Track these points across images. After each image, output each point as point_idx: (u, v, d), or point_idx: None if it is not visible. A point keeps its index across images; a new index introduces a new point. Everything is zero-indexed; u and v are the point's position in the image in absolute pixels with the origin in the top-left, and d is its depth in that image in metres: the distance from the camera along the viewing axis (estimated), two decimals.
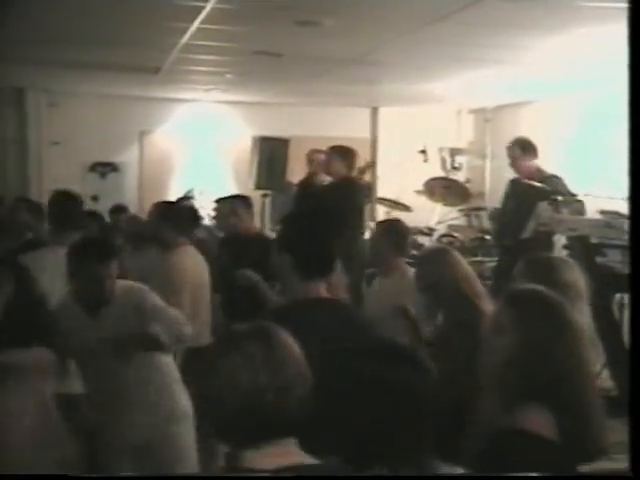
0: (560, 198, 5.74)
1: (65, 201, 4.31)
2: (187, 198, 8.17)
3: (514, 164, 6.35)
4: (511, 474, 2.07)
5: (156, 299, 3.56)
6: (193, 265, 4.63)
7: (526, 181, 6.17)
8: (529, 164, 6.28)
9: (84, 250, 3.40)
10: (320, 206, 5.79)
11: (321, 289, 2.63)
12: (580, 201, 5.91)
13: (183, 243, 4.66)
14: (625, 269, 5.11)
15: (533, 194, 5.90)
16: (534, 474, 2.15)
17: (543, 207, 5.72)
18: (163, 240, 4.67)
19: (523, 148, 6.32)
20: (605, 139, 7.12)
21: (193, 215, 5.74)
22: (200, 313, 4.56)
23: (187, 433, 3.54)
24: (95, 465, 3.13)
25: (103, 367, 3.32)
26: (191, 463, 3.48)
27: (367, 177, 8.31)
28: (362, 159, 7.90)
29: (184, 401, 3.57)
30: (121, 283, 3.48)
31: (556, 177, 6.18)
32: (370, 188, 7.10)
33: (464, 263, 3.63)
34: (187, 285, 4.48)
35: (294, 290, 2.65)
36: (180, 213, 4.97)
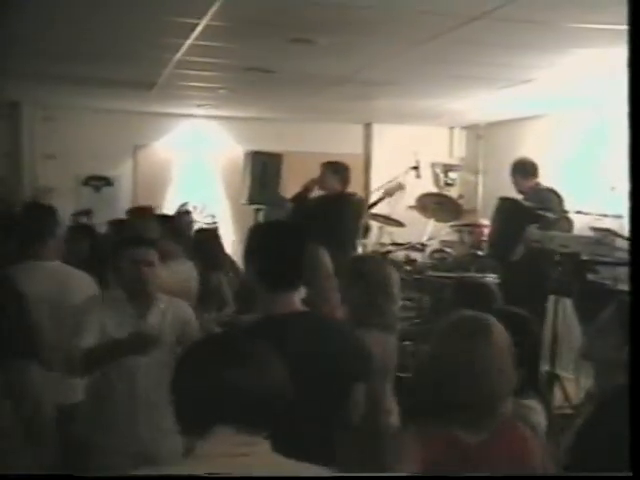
0: (549, 214, 5.77)
1: (39, 213, 4.22)
2: (184, 212, 8.21)
3: (516, 185, 6.38)
4: (511, 474, 2.08)
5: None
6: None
7: (514, 199, 6.20)
8: (530, 183, 6.32)
9: (124, 238, 3.76)
10: (307, 220, 5.81)
11: (292, 302, 2.53)
12: (569, 219, 5.93)
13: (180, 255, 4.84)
14: (616, 285, 5.14)
15: (521, 216, 5.91)
16: (534, 474, 2.17)
17: (531, 231, 5.73)
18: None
19: (524, 172, 6.35)
20: (596, 158, 7.17)
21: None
22: None
23: None
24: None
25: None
26: None
27: (361, 192, 8.35)
28: (394, 181, 8.01)
29: None
30: (168, 297, 3.59)
31: (550, 190, 6.18)
32: (363, 204, 7.10)
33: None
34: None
35: (263, 303, 2.55)
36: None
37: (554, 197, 6.09)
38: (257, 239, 2.63)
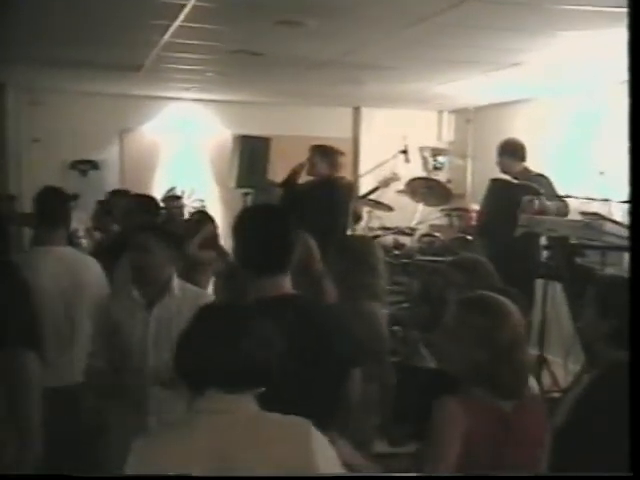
0: (542, 191, 5.77)
1: (54, 198, 4.17)
2: (174, 197, 8.18)
3: (503, 169, 6.37)
4: (512, 474, 2.13)
5: None
6: None
7: (507, 179, 6.18)
8: (518, 166, 6.29)
9: (133, 224, 3.70)
10: (296, 204, 5.79)
11: (280, 285, 2.52)
12: (564, 200, 5.93)
13: None
14: (603, 269, 5.15)
15: (516, 192, 5.90)
16: (534, 474, 2.24)
17: (528, 200, 5.70)
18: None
19: (514, 154, 6.31)
20: (584, 142, 7.17)
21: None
22: None
23: None
24: None
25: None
26: None
27: (349, 176, 8.34)
28: (389, 171, 8.00)
29: None
30: (187, 285, 3.53)
31: (542, 176, 6.18)
32: (352, 188, 7.08)
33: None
34: None
35: (248, 286, 2.54)
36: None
37: (546, 183, 6.08)
38: (243, 223, 2.62)
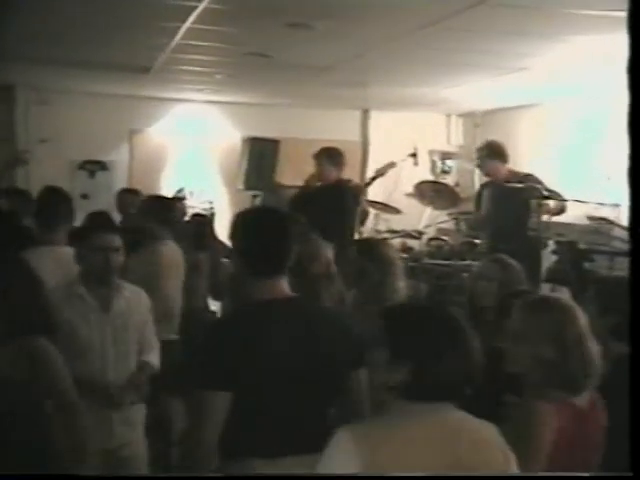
0: (545, 192, 5.78)
1: (55, 198, 4.22)
2: (179, 198, 8.19)
3: (488, 173, 6.36)
4: (512, 474, 2.13)
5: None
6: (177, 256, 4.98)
7: (506, 184, 6.17)
8: (503, 169, 6.27)
9: (89, 225, 3.65)
10: (305, 208, 5.80)
11: (277, 287, 2.52)
12: (559, 196, 5.94)
13: (164, 236, 4.90)
14: (611, 274, 5.14)
15: (520, 195, 5.90)
16: (534, 474, 2.24)
17: (537, 202, 5.70)
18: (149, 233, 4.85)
19: (501, 156, 6.29)
20: (593, 147, 7.15)
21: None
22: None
23: None
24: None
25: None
26: None
27: (358, 179, 8.33)
28: (396, 174, 7.98)
29: None
30: (125, 284, 3.52)
31: (530, 175, 6.17)
32: (360, 191, 7.07)
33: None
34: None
35: (246, 289, 2.54)
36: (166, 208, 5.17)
37: (536, 182, 6.08)
38: (241, 224, 2.63)
